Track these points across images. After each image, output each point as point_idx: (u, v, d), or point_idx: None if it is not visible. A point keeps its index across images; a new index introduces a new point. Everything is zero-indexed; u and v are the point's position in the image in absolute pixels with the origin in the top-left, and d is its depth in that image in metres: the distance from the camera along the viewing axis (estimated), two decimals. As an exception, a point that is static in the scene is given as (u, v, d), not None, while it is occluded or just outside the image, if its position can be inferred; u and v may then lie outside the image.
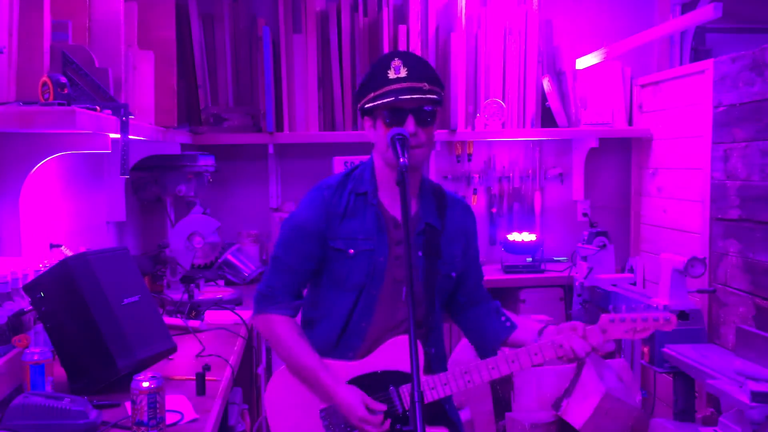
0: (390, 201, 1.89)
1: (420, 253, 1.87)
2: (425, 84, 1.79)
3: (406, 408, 1.77)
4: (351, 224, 1.86)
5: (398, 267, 1.86)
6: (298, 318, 1.97)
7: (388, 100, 1.76)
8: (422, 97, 1.77)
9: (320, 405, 1.83)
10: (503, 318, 1.94)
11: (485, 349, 1.94)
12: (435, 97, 1.79)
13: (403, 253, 1.79)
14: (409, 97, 1.76)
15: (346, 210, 1.87)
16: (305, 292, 1.99)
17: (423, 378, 1.76)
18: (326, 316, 1.92)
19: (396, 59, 1.79)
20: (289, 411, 1.87)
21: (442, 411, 1.93)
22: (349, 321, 1.87)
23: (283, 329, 1.88)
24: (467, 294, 2.01)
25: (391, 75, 1.78)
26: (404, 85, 1.77)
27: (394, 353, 1.81)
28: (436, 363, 1.89)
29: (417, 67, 1.80)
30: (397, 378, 1.80)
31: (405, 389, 1.79)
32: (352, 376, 1.82)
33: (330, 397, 1.80)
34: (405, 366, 1.78)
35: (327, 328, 1.90)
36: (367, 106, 1.81)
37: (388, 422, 1.78)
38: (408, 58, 1.80)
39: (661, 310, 1.75)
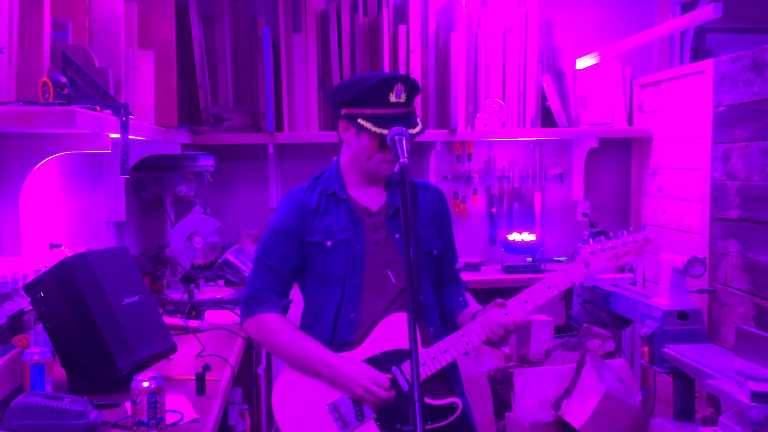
0: (359, 194, 1.95)
1: (397, 235, 1.90)
2: (413, 106, 1.87)
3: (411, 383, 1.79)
4: (326, 220, 1.92)
5: (378, 253, 1.90)
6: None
7: (394, 131, 1.77)
8: (418, 131, 1.83)
9: (327, 399, 1.84)
10: (461, 298, 2.03)
11: (447, 326, 2.01)
12: (421, 127, 1.86)
13: (383, 239, 1.91)
14: (413, 131, 1.81)
15: (318, 208, 1.93)
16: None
17: (422, 351, 1.79)
18: (318, 316, 1.94)
19: (399, 83, 1.81)
20: (297, 409, 1.87)
21: (454, 383, 1.95)
22: (339, 315, 1.89)
23: (276, 324, 1.91)
24: (443, 275, 2.07)
25: (392, 99, 1.82)
26: (402, 110, 1.83)
27: (389, 333, 1.84)
28: (437, 340, 1.90)
29: (412, 90, 1.85)
30: (397, 357, 1.82)
31: (407, 366, 1.80)
32: None
33: (333, 373, 1.82)
34: (402, 343, 1.81)
35: (321, 326, 1.92)
36: (360, 121, 1.83)
37: (393, 391, 1.79)
38: (408, 83, 1.83)
39: (638, 231, 1.80)
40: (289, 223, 1.93)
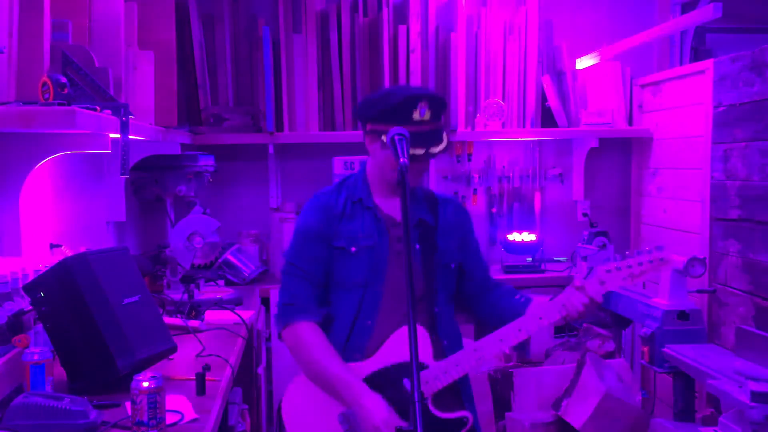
0: (385, 203, 1.96)
1: (417, 246, 1.91)
2: (440, 121, 1.87)
3: (425, 395, 1.78)
4: (351, 225, 1.92)
5: (400, 263, 1.89)
6: None
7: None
8: (441, 148, 1.84)
9: (338, 409, 1.83)
10: (518, 296, 1.98)
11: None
12: (446, 142, 1.86)
13: (403, 249, 1.83)
14: (435, 150, 1.83)
15: (344, 213, 1.92)
16: None
17: (433, 364, 1.80)
18: (334, 318, 1.93)
19: (423, 101, 1.82)
20: (307, 417, 1.86)
21: (466, 397, 1.95)
22: (356, 321, 1.88)
23: (311, 336, 1.87)
24: (478, 285, 2.06)
25: (416, 117, 1.82)
26: (427, 128, 1.83)
27: (402, 344, 1.82)
28: (451, 354, 1.89)
29: (438, 106, 1.85)
30: (408, 369, 1.79)
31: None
32: (365, 375, 1.83)
33: (354, 399, 1.79)
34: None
35: (335, 331, 1.91)
36: (384, 138, 1.80)
37: None
38: (433, 100, 1.84)
39: (654, 250, 1.79)
40: (317, 225, 1.92)
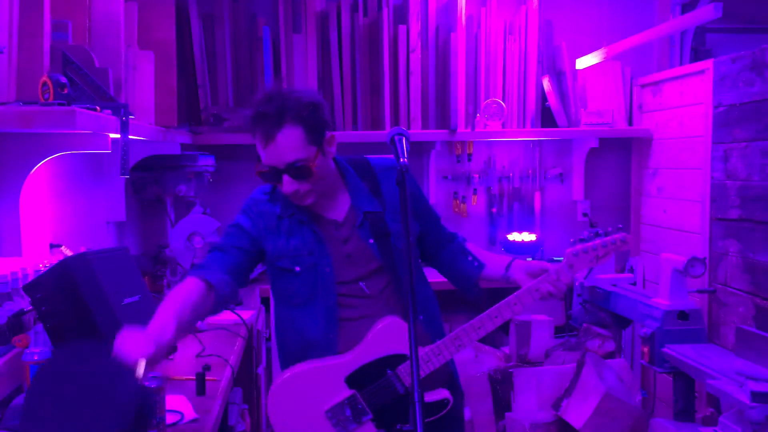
0: (322, 206, 1.89)
1: (371, 240, 1.88)
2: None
3: (407, 385, 1.80)
4: (293, 242, 1.88)
5: (350, 265, 1.87)
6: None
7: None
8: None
9: (325, 406, 1.83)
10: (470, 258, 2.02)
11: (465, 290, 2.04)
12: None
13: (355, 250, 1.87)
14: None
15: (279, 228, 1.89)
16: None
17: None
18: (287, 331, 1.93)
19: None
20: (294, 416, 1.85)
21: (449, 377, 1.97)
22: (316, 337, 1.86)
23: (182, 287, 1.77)
24: (433, 244, 2.06)
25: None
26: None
27: (382, 339, 1.82)
28: (428, 327, 1.92)
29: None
30: (391, 362, 1.82)
31: (402, 369, 1.81)
32: (346, 374, 1.83)
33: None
34: (395, 348, 1.81)
35: (292, 342, 1.91)
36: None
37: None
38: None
39: (614, 232, 1.94)
40: (249, 227, 1.89)
